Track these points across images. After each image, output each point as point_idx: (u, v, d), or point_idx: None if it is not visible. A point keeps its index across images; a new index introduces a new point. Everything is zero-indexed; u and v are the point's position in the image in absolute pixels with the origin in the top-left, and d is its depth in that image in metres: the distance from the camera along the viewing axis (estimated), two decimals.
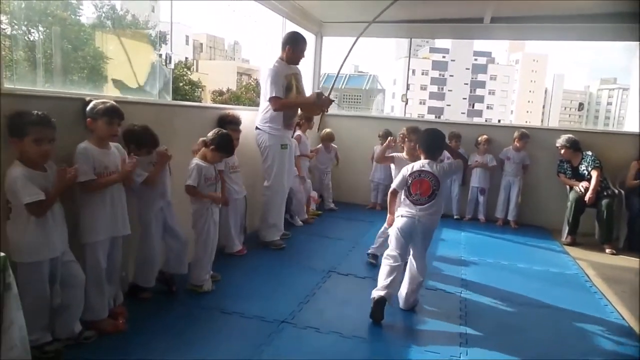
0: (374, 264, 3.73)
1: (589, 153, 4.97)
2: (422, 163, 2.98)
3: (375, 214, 5.63)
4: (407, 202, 2.96)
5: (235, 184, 3.75)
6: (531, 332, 2.83)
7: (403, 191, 2.99)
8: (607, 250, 4.66)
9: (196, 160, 2.98)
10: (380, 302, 2.80)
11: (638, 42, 5.35)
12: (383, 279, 2.89)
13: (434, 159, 3.01)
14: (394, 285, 2.89)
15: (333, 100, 4.19)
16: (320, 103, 4.01)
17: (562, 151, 5.09)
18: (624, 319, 3.08)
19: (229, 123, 3.66)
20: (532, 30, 5.78)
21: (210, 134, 3.03)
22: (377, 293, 2.85)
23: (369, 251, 3.88)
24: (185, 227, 3.03)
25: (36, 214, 2.02)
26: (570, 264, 4.27)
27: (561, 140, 5.10)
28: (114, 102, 2.41)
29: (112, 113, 2.37)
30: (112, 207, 2.42)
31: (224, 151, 3.04)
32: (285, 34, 4.09)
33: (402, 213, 2.96)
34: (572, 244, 4.86)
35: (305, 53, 4.08)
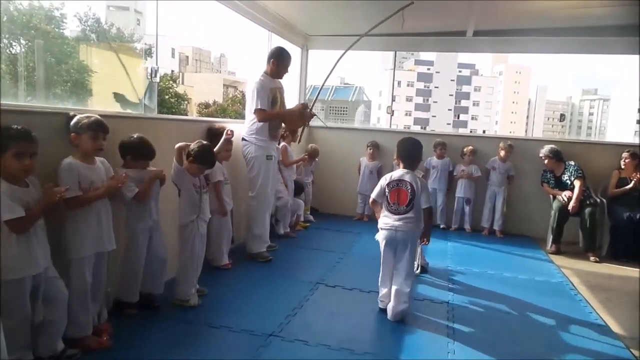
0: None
1: (572, 163, 5.07)
2: (400, 173, 3.03)
3: (362, 225, 5.65)
4: (386, 212, 3.03)
5: (227, 195, 3.75)
6: (518, 341, 2.85)
7: (383, 200, 3.05)
8: (591, 258, 4.73)
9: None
10: (380, 311, 3.08)
11: (637, 55, 5.48)
12: (382, 288, 3.12)
13: (412, 168, 3.07)
14: (389, 295, 3.06)
15: (314, 114, 4.27)
16: (305, 113, 4.08)
17: (546, 161, 5.18)
18: (607, 325, 3.12)
19: (219, 135, 3.66)
20: (514, 43, 5.90)
21: (191, 146, 3.02)
22: (380, 305, 3.13)
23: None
24: (168, 243, 3.00)
25: (16, 231, 1.97)
26: (555, 272, 4.32)
27: (544, 151, 5.19)
28: (98, 116, 2.39)
29: (97, 127, 2.35)
30: (98, 222, 2.39)
31: (201, 163, 3.00)
32: (271, 48, 4.13)
33: (381, 225, 3.04)
34: (557, 252, 4.92)
35: (290, 68, 4.14)
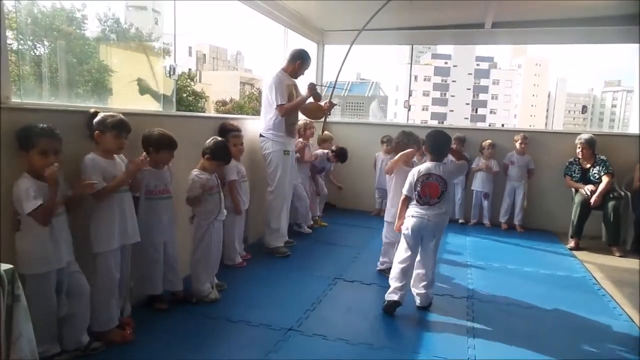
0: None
1: (603, 157, 4.91)
2: (428, 166, 3.02)
3: (380, 221, 5.59)
4: (416, 204, 3.02)
5: (243, 193, 3.77)
6: (540, 337, 2.81)
7: (413, 195, 3.04)
8: (615, 253, 4.62)
9: (195, 172, 3.00)
10: (394, 305, 2.98)
11: (639, 44, 5.34)
12: (396, 281, 3.02)
13: (440, 160, 3.06)
14: (406, 288, 3.04)
15: (335, 104, 4.30)
16: (317, 95, 4.12)
17: (582, 150, 4.96)
18: (632, 321, 3.06)
19: (230, 130, 3.69)
20: (534, 34, 5.79)
21: (206, 143, 3.05)
22: (390, 297, 3.00)
23: (381, 267, 3.77)
24: (183, 242, 3.04)
25: (40, 222, 2.03)
26: (577, 267, 4.24)
27: (584, 138, 4.97)
28: (122, 116, 2.43)
29: (121, 127, 2.39)
30: (122, 215, 2.43)
31: (218, 159, 3.05)
32: (295, 49, 4.18)
33: (411, 213, 3.03)
34: (576, 247, 4.79)
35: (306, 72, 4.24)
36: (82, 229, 2.34)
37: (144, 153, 2.56)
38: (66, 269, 2.18)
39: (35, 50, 20.74)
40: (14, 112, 2.07)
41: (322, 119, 4.53)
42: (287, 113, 3.99)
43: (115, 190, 2.38)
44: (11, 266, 1.60)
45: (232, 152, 3.63)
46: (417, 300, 3.10)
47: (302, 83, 4.26)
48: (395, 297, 3.00)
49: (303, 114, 4.42)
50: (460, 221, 5.73)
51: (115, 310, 2.48)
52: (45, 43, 21.52)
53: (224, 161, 3.14)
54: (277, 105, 3.94)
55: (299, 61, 4.07)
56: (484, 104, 75.69)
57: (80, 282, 2.26)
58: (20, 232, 2.05)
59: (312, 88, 4.08)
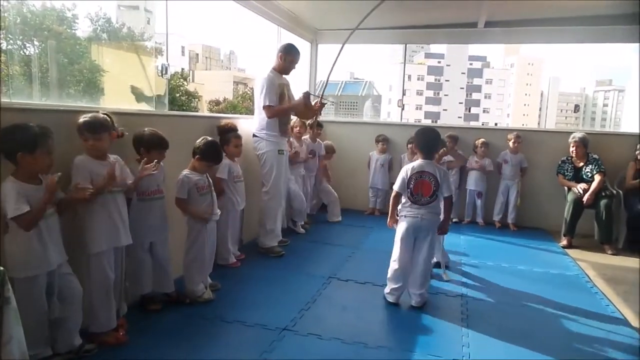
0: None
1: (595, 156, 4.93)
2: (420, 164, 3.02)
3: (374, 220, 5.63)
4: (409, 202, 3.02)
5: (238, 194, 3.74)
6: (533, 335, 2.82)
7: (405, 192, 3.05)
8: (608, 251, 4.65)
9: (185, 172, 2.98)
10: (393, 305, 3.07)
11: (638, 44, 5.38)
12: (394, 282, 3.09)
13: (431, 158, 3.07)
14: (403, 289, 3.10)
15: (325, 103, 4.29)
16: (309, 103, 4.07)
17: (575, 149, 4.97)
18: (625, 319, 3.08)
19: (229, 131, 3.68)
20: (527, 33, 5.81)
21: (196, 143, 3.04)
22: (387, 298, 3.10)
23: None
24: (177, 242, 3.02)
25: (24, 227, 1.99)
26: (570, 265, 4.26)
27: (577, 136, 4.98)
28: (95, 115, 2.35)
29: (87, 126, 2.31)
30: (113, 217, 2.41)
31: (209, 159, 3.03)
32: (281, 44, 4.14)
33: (404, 214, 3.05)
34: (569, 246, 4.81)
35: (297, 65, 4.16)
36: (76, 230, 2.32)
37: (147, 159, 2.54)
38: (57, 271, 2.15)
39: (25, 50, 20.58)
40: (3, 112, 2.04)
41: (313, 119, 4.55)
42: (274, 115, 3.95)
43: (99, 194, 2.31)
44: (1, 268, 1.58)
45: (231, 152, 3.64)
46: (412, 301, 3.11)
47: (297, 81, 4.25)
48: (391, 299, 3.11)
49: (295, 115, 4.43)
50: (454, 220, 5.74)
51: (113, 311, 2.46)
52: (36, 43, 21.35)
53: (214, 161, 3.12)
54: (264, 106, 3.90)
55: (281, 53, 4.01)
56: (477, 103, 76.02)
57: (71, 285, 2.23)
58: (8, 235, 2.02)
59: (306, 97, 4.03)
